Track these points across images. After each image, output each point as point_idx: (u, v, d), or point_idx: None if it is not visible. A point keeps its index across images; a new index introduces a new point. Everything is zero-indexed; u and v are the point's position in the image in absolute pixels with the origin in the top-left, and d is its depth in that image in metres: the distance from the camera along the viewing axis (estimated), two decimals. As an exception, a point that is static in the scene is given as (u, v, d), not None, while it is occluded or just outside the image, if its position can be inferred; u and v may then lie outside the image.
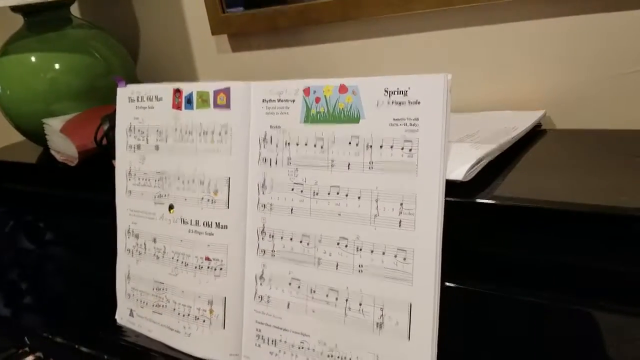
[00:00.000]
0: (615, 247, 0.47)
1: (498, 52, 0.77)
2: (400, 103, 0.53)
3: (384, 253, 0.54)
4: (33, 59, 0.92)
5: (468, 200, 0.52)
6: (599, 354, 0.47)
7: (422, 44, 0.81)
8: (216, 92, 0.64)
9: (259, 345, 0.63)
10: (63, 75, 0.92)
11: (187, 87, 0.67)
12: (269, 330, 0.62)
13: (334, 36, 0.86)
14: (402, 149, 0.53)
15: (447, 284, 0.52)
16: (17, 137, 1.02)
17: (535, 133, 0.68)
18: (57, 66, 0.92)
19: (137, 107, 0.72)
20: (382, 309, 0.54)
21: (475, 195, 0.52)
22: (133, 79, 1.01)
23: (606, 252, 0.48)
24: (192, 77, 1.07)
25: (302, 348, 0.59)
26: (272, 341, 0.61)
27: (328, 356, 0.58)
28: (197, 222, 0.66)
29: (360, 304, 0.56)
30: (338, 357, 0.57)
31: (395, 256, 0.53)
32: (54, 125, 0.85)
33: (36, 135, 0.93)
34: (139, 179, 0.72)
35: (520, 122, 0.67)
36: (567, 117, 0.73)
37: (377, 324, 0.55)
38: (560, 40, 0.72)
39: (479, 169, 0.54)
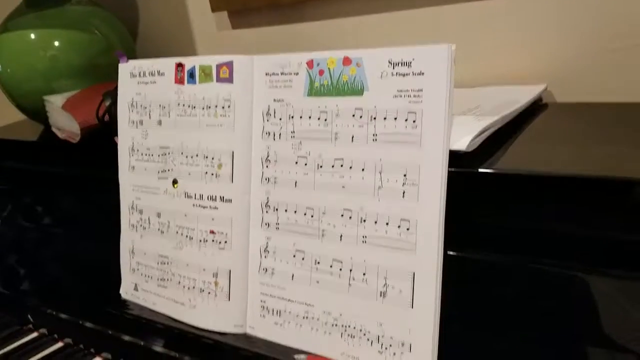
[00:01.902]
0: (615, 215, 0.48)
1: (498, 27, 0.77)
2: (404, 74, 0.53)
3: (387, 224, 0.55)
4: (33, 36, 0.92)
5: (471, 170, 0.52)
6: (599, 319, 0.48)
7: (423, 19, 0.82)
8: (219, 66, 0.64)
9: (264, 316, 0.63)
10: (63, 53, 0.92)
11: (189, 61, 0.67)
12: (273, 301, 0.63)
13: (336, 12, 0.86)
14: (406, 120, 0.53)
15: (450, 252, 0.53)
16: (18, 115, 1.02)
17: (536, 107, 0.69)
18: (57, 43, 0.92)
19: (139, 82, 0.72)
20: (385, 279, 0.55)
21: (478, 165, 0.53)
22: (133, 56, 1.01)
23: (607, 220, 0.49)
24: (191, 55, 1.07)
25: (307, 318, 0.60)
26: (277, 312, 0.62)
27: (332, 325, 0.59)
28: (201, 196, 0.67)
29: (364, 274, 0.57)
30: (342, 325, 0.58)
31: (399, 227, 0.54)
32: (55, 102, 0.85)
33: (37, 114, 0.93)
34: (142, 154, 0.72)
35: (521, 96, 0.67)
36: (568, 91, 0.74)
37: (381, 292, 0.56)
38: (561, 14, 0.72)
39: (481, 140, 0.55)
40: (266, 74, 0.62)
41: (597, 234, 0.49)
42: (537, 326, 0.51)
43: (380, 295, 0.56)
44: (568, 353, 0.49)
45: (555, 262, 0.50)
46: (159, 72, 0.70)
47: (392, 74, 0.54)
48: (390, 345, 0.55)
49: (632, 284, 0.48)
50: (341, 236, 0.58)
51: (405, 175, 0.54)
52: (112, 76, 0.76)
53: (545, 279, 0.51)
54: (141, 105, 0.72)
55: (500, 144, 0.58)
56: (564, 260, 0.50)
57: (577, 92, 0.73)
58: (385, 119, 0.55)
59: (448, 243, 0.52)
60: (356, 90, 0.56)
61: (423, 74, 0.52)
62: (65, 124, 0.84)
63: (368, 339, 0.56)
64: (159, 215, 0.71)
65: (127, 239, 0.76)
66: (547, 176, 0.50)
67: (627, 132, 0.61)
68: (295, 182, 0.61)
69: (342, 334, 0.58)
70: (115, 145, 0.76)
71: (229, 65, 0.63)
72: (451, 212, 0.52)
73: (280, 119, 0.61)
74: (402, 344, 0.54)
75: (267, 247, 0.63)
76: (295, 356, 0.59)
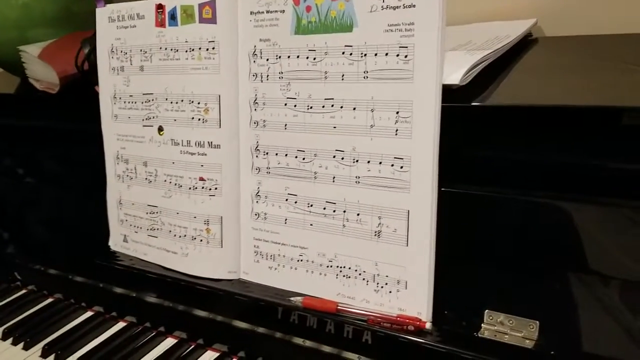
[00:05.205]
0: (605, 145, 0.48)
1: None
2: (394, 7, 0.51)
3: (380, 163, 0.54)
4: (2, -17, 0.88)
5: (465, 104, 0.51)
6: (592, 248, 0.48)
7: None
8: (201, 6, 0.62)
9: (258, 261, 0.63)
10: (36, 1, 0.87)
11: (169, 2, 0.64)
12: (267, 245, 0.62)
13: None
14: (398, 55, 0.52)
15: (444, 189, 0.52)
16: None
17: (526, 41, 0.68)
18: (28, -9, 0.87)
19: (118, 27, 0.69)
20: (380, 218, 0.55)
21: (471, 99, 0.52)
22: (110, 1, 0.97)
23: (599, 149, 0.48)
24: None
25: (301, 260, 0.60)
26: (271, 256, 0.62)
27: (327, 266, 0.58)
28: (188, 143, 0.65)
29: (358, 215, 0.56)
30: (337, 266, 0.58)
31: (392, 165, 0.54)
32: (31, 52, 0.81)
33: (12, 65, 0.89)
34: (124, 102, 0.70)
35: (512, 31, 0.66)
36: (557, 25, 0.73)
37: (375, 232, 0.55)
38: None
39: (474, 74, 0.54)
40: (251, 13, 0.60)
41: (590, 164, 0.49)
42: (531, 260, 0.51)
43: (375, 235, 0.55)
44: (560, 284, 0.50)
45: (550, 194, 0.50)
46: (138, 15, 0.67)
47: (382, 7, 0.52)
48: (386, 284, 0.55)
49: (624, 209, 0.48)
50: (334, 178, 0.57)
51: (397, 113, 0.53)
52: (90, 25, 0.73)
53: (540, 212, 0.51)
54: (121, 51, 0.69)
55: (493, 78, 0.57)
56: (559, 192, 0.50)
57: (565, 26, 0.73)
58: (376, 55, 0.53)
59: (442, 179, 0.52)
60: (345, 26, 0.54)
61: (414, 5, 0.50)
62: (43, 74, 0.81)
63: (364, 279, 0.57)
64: (145, 164, 0.70)
65: (114, 190, 0.74)
66: (541, 108, 0.49)
67: (614, 62, 0.60)
68: (285, 125, 0.59)
69: (337, 275, 0.58)
70: (97, 94, 0.73)
71: (212, 4, 0.61)
72: (445, 148, 0.51)
73: (267, 60, 0.59)
74: (398, 282, 0.55)
75: (258, 192, 0.62)
76: (291, 299, 0.59)
